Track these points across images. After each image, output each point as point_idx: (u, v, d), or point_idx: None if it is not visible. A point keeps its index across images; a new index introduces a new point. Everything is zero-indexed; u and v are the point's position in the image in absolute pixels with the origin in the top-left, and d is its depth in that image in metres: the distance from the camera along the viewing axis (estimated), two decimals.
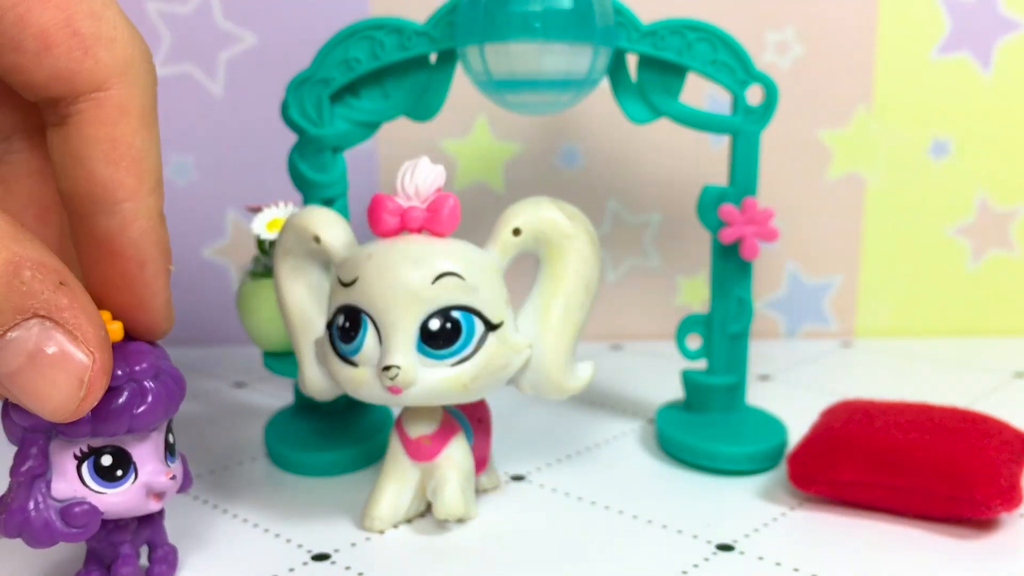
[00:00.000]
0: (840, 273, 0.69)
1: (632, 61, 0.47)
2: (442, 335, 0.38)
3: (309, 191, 0.48)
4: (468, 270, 0.38)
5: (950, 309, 0.70)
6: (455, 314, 0.38)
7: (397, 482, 0.41)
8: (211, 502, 0.44)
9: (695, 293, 0.69)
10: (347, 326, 0.38)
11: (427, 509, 0.42)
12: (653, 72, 0.47)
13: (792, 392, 0.58)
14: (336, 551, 0.39)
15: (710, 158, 0.66)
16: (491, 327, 0.39)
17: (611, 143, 0.67)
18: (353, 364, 0.38)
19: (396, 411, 0.50)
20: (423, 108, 0.48)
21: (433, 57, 0.47)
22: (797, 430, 0.47)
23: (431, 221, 0.39)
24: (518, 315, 0.41)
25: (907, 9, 0.65)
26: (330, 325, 0.39)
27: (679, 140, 0.65)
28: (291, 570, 0.38)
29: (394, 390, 0.37)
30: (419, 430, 0.41)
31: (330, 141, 0.48)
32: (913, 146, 0.67)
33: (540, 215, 0.40)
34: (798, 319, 0.70)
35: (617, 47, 0.46)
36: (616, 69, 0.47)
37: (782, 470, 0.45)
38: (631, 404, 0.56)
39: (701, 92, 0.64)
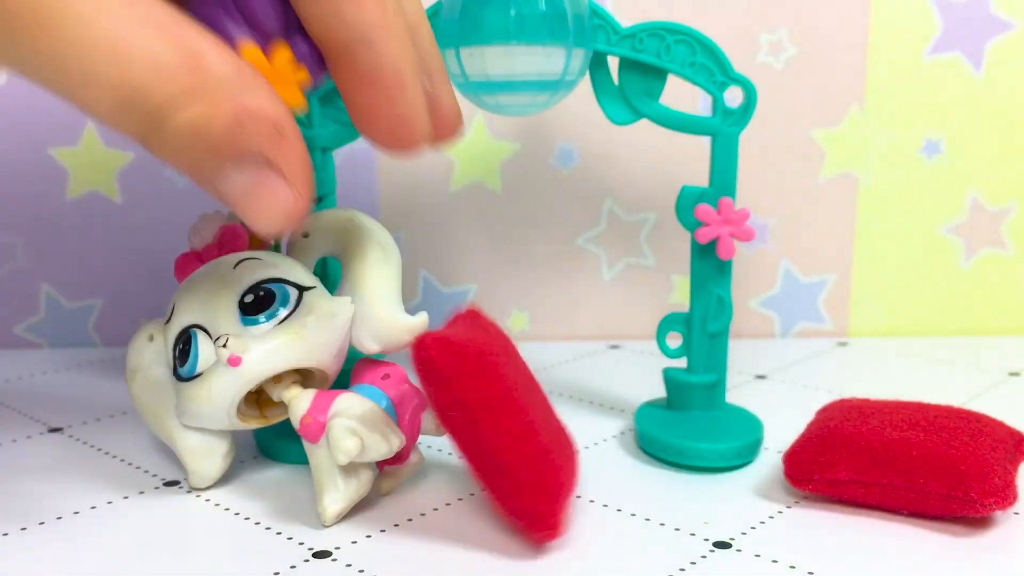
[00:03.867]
0: (834, 272, 0.70)
1: (613, 63, 0.48)
2: (257, 302, 0.41)
3: None
4: (264, 255, 0.43)
5: (943, 308, 0.71)
6: (266, 285, 0.41)
7: (329, 471, 0.41)
8: (212, 500, 0.44)
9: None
10: (182, 348, 0.42)
11: (382, 479, 0.44)
12: (634, 74, 0.47)
13: (787, 391, 0.58)
14: (337, 548, 0.39)
15: (705, 158, 0.67)
16: (305, 289, 0.42)
17: (607, 143, 0.67)
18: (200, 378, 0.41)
19: None
20: None
21: None
22: (792, 429, 0.47)
23: (226, 250, 0.44)
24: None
25: (899, 9, 0.66)
26: (174, 373, 0.43)
27: (675, 140, 0.66)
28: (292, 567, 0.38)
29: (233, 360, 0.40)
30: (296, 414, 0.41)
31: (319, 141, 0.49)
32: (906, 145, 0.68)
33: (326, 218, 0.45)
34: (792, 318, 0.71)
35: (595, 49, 0.46)
36: (597, 71, 0.47)
37: (778, 468, 0.46)
38: (627, 403, 0.56)
39: (697, 92, 0.64)
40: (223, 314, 0.41)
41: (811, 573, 0.37)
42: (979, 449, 0.41)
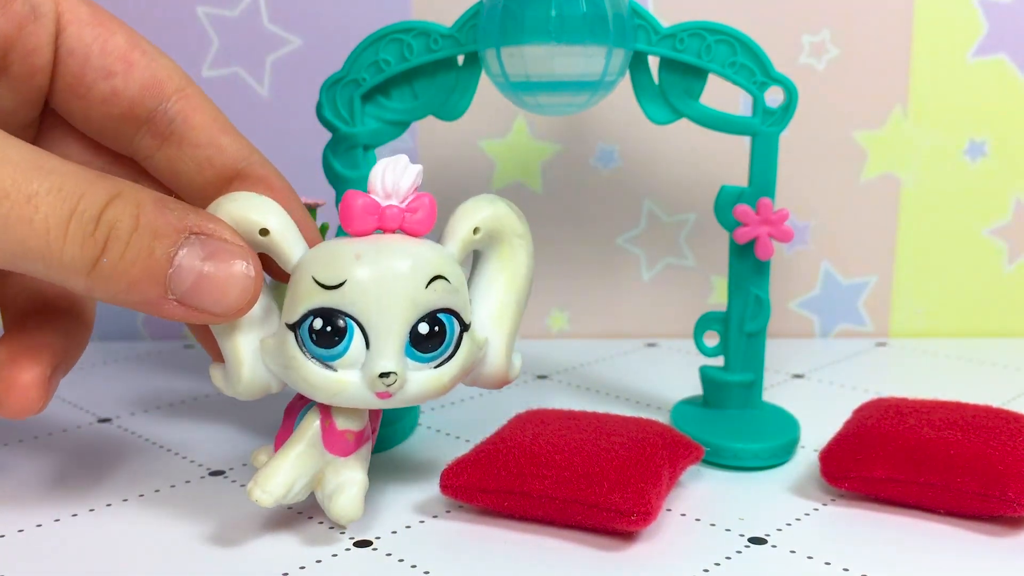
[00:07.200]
0: (875, 274, 0.70)
1: (654, 63, 0.48)
2: (430, 338, 0.37)
3: (341, 186, 0.50)
4: (452, 272, 0.38)
5: (985, 310, 0.70)
6: (440, 316, 0.38)
7: (301, 465, 0.39)
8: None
9: None
10: (328, 330, 0.37)
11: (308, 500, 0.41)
12: (674, 74, 0.48)
13: (825, 390, 0.58)
14: (377, 538, 0.40)
15: (746, 159, 0.67)
16: (465, 327, 0.39)
17: (647, 144, 0.67)
18: (331, 368, 0.37)
19: None
20: (450, 108, 0.49)
21: (460, 59, 0.49)
22: (829, 428, 0.47)
23: (410, 221, 0.39)
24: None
25: (944, 11, 0.65)
26: (295, 326, 0.37)
27: (715, 141, 0.66)
28: (334, 555, 0.39)
29: (384, 395, 0.37)
30: (347, 424, 0.39)
31: (361, 139, 0.50)
32: (949, 147, 0.68)
33: (497, 213, 0.41)
34: (833, 319, 0.70)
35: (636, 49, 0.47)
36: (638, 71, 0.48)
37: (814, 466, 0.46)
38: (664, 400, 0.56)
39: (738, 91, 0.64)
40: (395, 334, 0.37)
41: (846, 570, 0.37)
42: (1017, 449, 0.41)
